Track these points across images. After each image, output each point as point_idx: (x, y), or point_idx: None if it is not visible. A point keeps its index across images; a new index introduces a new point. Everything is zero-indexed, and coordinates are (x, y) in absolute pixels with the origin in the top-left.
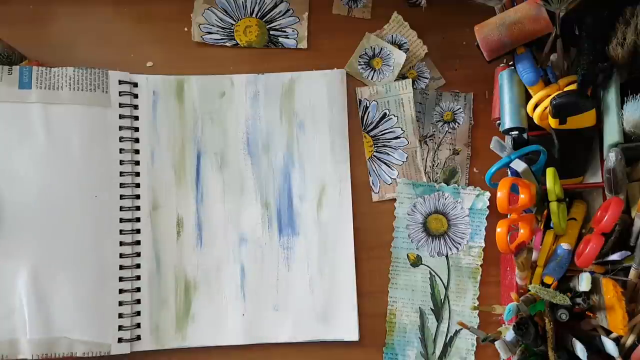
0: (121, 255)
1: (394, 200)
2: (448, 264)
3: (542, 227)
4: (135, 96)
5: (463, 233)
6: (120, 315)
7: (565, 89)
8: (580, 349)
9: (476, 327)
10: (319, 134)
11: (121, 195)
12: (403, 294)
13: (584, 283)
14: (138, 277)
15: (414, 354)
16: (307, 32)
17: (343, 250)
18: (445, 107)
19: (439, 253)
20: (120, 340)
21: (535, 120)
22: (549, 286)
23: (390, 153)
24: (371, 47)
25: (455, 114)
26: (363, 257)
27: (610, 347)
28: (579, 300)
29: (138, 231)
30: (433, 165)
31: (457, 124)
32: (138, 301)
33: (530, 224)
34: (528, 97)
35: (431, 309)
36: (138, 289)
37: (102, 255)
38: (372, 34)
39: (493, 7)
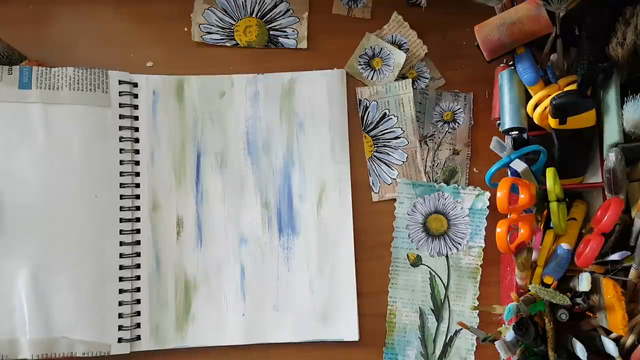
0: (121, 255)
1: (394, 200)
2: (448, 264)
3: (542, 227)
4: (135, 96)
5: (463, 233)
6: (120, 315)
7: (565, 89)
8: (580, 349)
9: (476, 327)
10: (319, 134)
11: (121, 195)
12: (403, 294)
13: (584, 283)
14: (138, 277)
15: (414, 354)
16: (307, 32)
17: (343, 250)
18: (445, 107)
19: (439, 253)
20: (120, 340)
21: (535, 120)
22: (549, 286)
23: (390, 153)
24: (371, 47)
25: (455, 114)
26: (363, 257)
27: (610, 347)
28: (579, 300)
29: (138, 231)
30: (433, 165)
31: (457, 124)
32: (138, 301)
33: (530, 224)
34: (528, 97)
35: (431, 309)
36: (138, 289)
37: (102, 255)
38: (372, 34)
39: (493, 7)
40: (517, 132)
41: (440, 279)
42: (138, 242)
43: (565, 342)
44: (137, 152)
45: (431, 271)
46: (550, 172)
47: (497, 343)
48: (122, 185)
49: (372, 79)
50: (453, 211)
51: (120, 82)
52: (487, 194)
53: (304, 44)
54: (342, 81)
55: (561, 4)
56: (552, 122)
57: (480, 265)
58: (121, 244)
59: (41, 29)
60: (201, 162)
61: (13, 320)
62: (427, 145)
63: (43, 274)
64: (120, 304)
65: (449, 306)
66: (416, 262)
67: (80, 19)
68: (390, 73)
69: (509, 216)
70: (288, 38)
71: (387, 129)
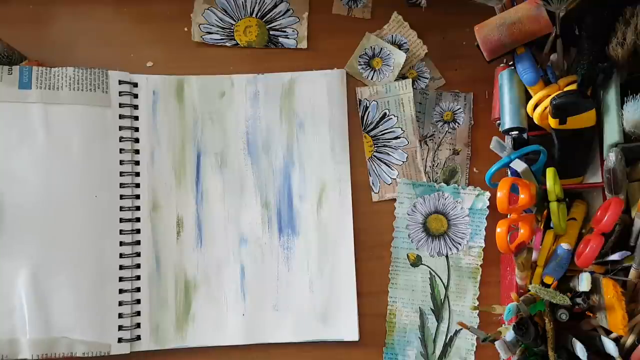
0: (121, 255)
1: (394, 200)
2: (448, 264)
3: (542, 227)
4: (135, 96)
5: (463, 233)
6: (120, 315)
7: (565, 89)
8: (580, 349)
9: (476, 327)
10: (319, 134)
11: (121, 195)
12: (403, 294)
13: (584, 283)
14: (138, 277)
15: (414, 354)
16: (307, 32)
17: (343, 250)
18: (445, 107)
19: (439, 253)
20: (120, 340)
21: (535, 120)
22: (549, 286)
23: (390, 153)
24: (371, 47)
25: (455, 114)
26: (363, 257)
27: (610, 347)
28: (579, 300)
29: (138, 231)
30: (433, 165)
31: (457, 124)
32: (138, 301)
33: (530, 224)
34: (528, 97)
35: (431, 309)
36: (138, 289)
37: (102, 255)
38: (372, 34)
39: (493, 7)
40: (517, 132)
41: (440, 279)
42: (138, 242)
43: (565, 342)
44: (137, 152)
45: (431, 271)
46: (550, 172)
47: (497, 343)
48: (122, 185)
49: (372, 79)
50: (453, 211)
51: (120, 82)
52: (487, 194)
53: (304, 44)
54: (342, 81)
55: (561, 4)
56: (552, 122)
57: (480, 265)
58: (121, 244)
59: (41, 29)
60: (201, 162)
61: (13, 320)
62: (427, 145)
63: (43, 274)
64: (120, 304)
65: (449, 306)
66: (416, 262)
67: (80, 19)
68: (390, 73)
69: (509, 216)
70: (288, 38)
71: (387, 129)
